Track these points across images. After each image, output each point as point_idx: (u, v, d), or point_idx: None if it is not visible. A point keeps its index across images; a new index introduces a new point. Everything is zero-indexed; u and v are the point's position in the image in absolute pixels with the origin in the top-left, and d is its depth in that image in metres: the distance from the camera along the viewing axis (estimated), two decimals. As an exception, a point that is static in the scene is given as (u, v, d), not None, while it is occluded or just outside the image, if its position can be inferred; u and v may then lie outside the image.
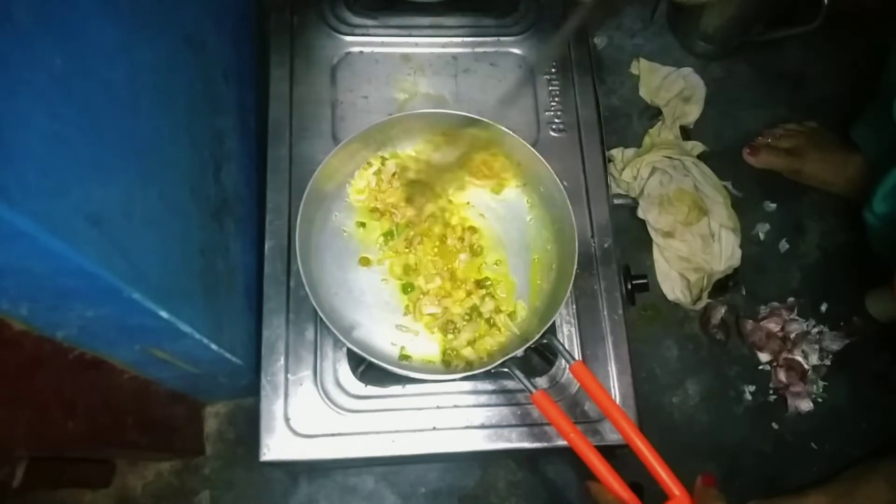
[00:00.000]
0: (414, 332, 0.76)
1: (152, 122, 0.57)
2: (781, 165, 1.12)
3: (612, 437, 0.75)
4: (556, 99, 0.91)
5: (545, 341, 0.71)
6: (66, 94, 0.42)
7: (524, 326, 0.77)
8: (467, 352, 0.75)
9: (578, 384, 0.73)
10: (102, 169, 0.46)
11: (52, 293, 0.47)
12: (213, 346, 0.67)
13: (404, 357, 0.75)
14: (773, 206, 1.13)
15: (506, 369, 0.70)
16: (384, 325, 0.76)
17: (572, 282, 0.73)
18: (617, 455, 0.72)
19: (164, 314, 0.55)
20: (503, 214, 0.82)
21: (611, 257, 0.84)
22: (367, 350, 0.72)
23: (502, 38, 0.94)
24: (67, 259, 0.42)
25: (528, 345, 0.70)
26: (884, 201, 0.90)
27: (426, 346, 0.76)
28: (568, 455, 0.65)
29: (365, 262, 0.78)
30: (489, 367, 0.70)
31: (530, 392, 0.67)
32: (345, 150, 0.78)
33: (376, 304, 0.77)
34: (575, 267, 0.73)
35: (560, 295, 0.73)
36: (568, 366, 0.69)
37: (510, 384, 0.77)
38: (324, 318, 0.69)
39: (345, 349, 0.77)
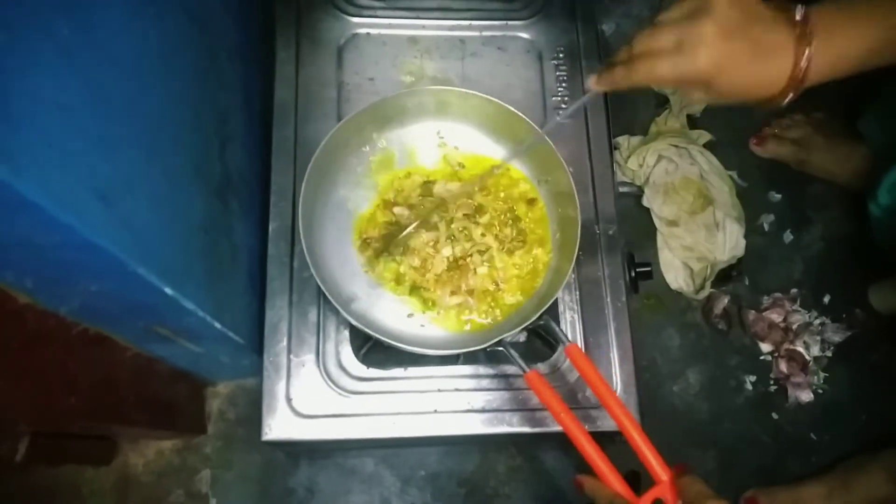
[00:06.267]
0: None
1: (157, 99, 0.57)
2: (788, 156, 1.12)
3: (609, 424, 0.75)
4: (564, 85, 0.90)
5: (542, 322, 0.71)
6: (73, 65, 0.42)
7: (524, 309, 0.77)
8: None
9: (578, 373, 0.73)
10: (108, 142, 0.46)
11: (57, 266, 0.47)
12: (216, 325, 0.68)
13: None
14: (778, 196, 1.13)
15: (501, 348, 0.70)
16: (383, 298, 0.76)
17: (572, 266, 0.73)
18: (616, 441, 0.72)
19: (168, 290, 0.55)
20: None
21: (615, 245, 0.83)
22: (365, 322, 0.72)
23: (510, 22, 0.93)
24: (73, 231, 0.42)
25: (525, 325, 0.70)
26: (889, 193, 0.90)
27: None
28: (567, 442, 0.65)
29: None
30: (485, 346, 0.70)
31: (523, 371, 0.67)
32: (352, 123, 0.77)
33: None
34: (576, 253, 0.73)
35: (560, 279, 0.73)
36: (562, 347, 0.69)
37: (511, 369, 0.77)
38: (321, 285, 0.69)
39: (347, 331, 0.77)
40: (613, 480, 0.61)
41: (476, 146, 0.84)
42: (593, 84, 0.63)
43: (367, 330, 0.70)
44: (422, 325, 0.76)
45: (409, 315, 0.76)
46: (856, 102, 1.09)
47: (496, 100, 0.79)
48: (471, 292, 0.77)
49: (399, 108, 0.81)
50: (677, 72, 0.55)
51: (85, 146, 0.43)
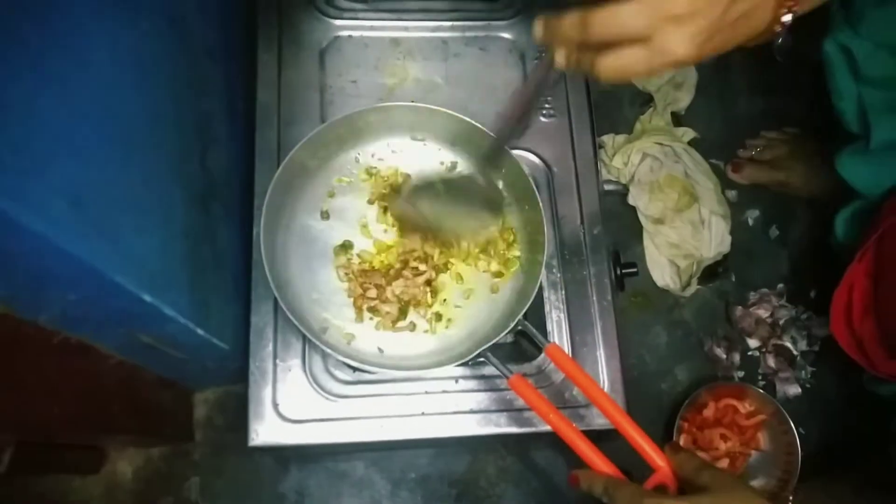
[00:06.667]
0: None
1: (134, 102, 0.56)
2: (766, 180, 1.11)
3: (598, 422, 0.75)
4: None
5: (520, 328, 0.71)
6: (41, 69, 0.41)
7: (499, 314, 0.76)
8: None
9: (564, 373, 0.73)
10: (82, 148, 0.46)
11: (32, 275, 0.47)
12: (200, 332, 0.67)
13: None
14: (764, 192, 1.13)
15: (482, 359, 0.70)
16: (360, 323, 0.76)
17: (542, 269, 0.73)
18: (603, 439, 0.72)
19: (147, 298, 0.54)
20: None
21: (600, 244, 0.83)
22: (342, 351, 0.71)
23: (492, 23, 0.93)
24: (46, 240, 0.41)
25: (503, 333, 0.69)
26: (842, 226, 0.88)
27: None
28: (556, 441, 0.65)
29: (341, 250, 0.78)
30: (466, 359, 0.70)
31: (506, 377, 0.67)
32: (317, 141, 0.76)
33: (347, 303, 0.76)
34: (545, 255, 0.73)
35: (531, 284, 0.73)
36: (543, 348, 0.69)
37: (498, 369, 0.77)
38: (293, 319, 0.68)
39: (333, 335, 0.77)
40: (609, 470, 0.61)
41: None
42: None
43: (337, 355, 0.70)
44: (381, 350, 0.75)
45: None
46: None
47: (457, 115, 0.77)
48: (406, 302, 0.76)
49: (374, 121, 0.80)
50: (653, 69, 0.48)
51: (56, 152, 0.42)
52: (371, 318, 0.75)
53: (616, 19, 0.46)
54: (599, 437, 0.71)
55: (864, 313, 0.77)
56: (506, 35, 0.93)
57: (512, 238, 0.79)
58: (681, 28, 0.45)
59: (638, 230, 1.08)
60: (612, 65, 0.48)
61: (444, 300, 0.77)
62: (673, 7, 0.45)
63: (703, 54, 0.47)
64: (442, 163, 0.83)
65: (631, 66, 0.47)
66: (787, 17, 0.49)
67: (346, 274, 0.76)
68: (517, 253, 0.79)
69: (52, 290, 0.50)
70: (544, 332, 0.78)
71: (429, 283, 0.76)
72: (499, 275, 0.78)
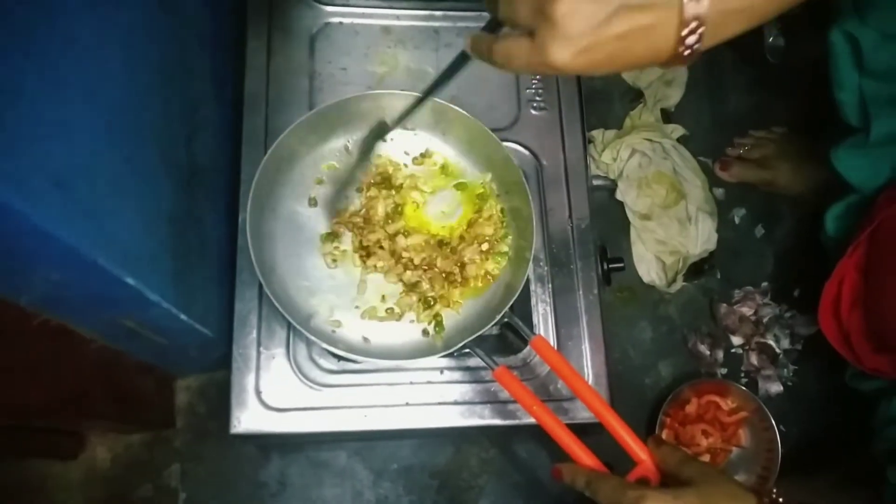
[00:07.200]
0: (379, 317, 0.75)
1: (121, 85, 0.56)
2: (754, 178, 1.11)
3: (582, 416, 0.75)
4: (538, 77, 0.90)
5: (507, 320, 0.71)
6: (27, 47, 0.41)
7: (486, 306, 0.76)
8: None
9: (549, 366, 0.73)
10: (65, 128, 0.45)
11: (13, 255, 0.46)
12: (183, 317, 0.66)
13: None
14: (751, 191, 1.13)
15: (468, 350, 0.70)
16: (346, 311, 0.75)
17: (530, 263, 0.73)
18: (588, 433, 0.72)
19: (130, 281, 0.54)
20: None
21: (588, 238, 0.84)
22: (327, 339, 0.71)
23: (484, 13, 0.92)
24: (27, 219, 0.41)
25: (490, 325, 0.69)
26: (833, 222, 0.87)
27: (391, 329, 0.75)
28: (540, 434, 0.65)
29: (328, 237, 0.77)
30: (452, 350, 0.70)
31: (491, 368, 0.67)
32: (304, 128, 0.76)
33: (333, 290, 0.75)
34: (532, 250, 0.73)
35: (518, 276, 0.73)
36: (529, 341, 0.69)
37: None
38: (279, 308, 0.68)
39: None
40: (591, 463, 0.61)
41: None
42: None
43: (321, 343, 0.69)
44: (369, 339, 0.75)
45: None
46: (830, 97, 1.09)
47: (448, 104, 0.77)
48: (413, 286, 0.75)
49: (363, 109, 0.79)
50: (532, 68, 0.45)
51: (39, 131, 0.41)
52: (357, 308, 0.75)
53: None
54: (583, 431, 0.71)
55: (852, 307, 0.78)
56: (498, 26, 0.92)
57: (503, 233, 0.78)
58: (557, 30, 0.42)
59: (625, 225, 1.08)
60: (499, 51, 0.46)
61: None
62: (552, 6, 0.41)
63: (583, 67, 0.43)
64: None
65: (513, 57, 0.45)
66: (693, 39, 0.42)
67: (334, 261, 0.75)
68: (505, 248, 0.78)
69: (35, 271, 0.49)
70: (530, 325, 0.78)
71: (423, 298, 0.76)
72: (491, 276, 0.77)
